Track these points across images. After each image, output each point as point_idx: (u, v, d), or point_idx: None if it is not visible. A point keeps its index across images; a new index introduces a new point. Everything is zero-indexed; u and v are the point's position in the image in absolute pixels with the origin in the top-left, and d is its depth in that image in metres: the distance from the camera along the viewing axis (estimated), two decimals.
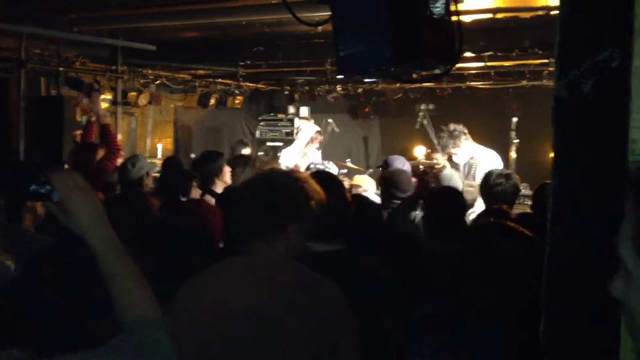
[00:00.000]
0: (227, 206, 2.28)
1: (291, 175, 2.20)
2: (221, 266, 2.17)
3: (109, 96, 9.03)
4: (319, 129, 9.21)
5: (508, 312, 1.76)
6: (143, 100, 9.60)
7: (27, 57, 7.90)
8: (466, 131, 6.39)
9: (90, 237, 1.50)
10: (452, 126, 6.39)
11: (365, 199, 4.40)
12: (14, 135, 7.81)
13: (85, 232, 1.50)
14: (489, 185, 4.63)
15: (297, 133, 9.07)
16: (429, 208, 4.04)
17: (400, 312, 2.32)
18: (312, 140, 8.96)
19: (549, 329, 1.60)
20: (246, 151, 8.61)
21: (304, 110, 11.32)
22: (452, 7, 1.91)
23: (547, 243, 1.64)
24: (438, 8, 1.81)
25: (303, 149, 8.54)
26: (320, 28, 2.88)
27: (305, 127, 9.17)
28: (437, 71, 1.99)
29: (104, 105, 8.93)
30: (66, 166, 6.18)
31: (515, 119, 8.00)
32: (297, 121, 9.05)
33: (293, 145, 8.89)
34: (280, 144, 10.62)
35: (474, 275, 1.97)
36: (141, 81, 9.65)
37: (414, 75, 2.38)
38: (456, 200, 4.00)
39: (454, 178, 5.18)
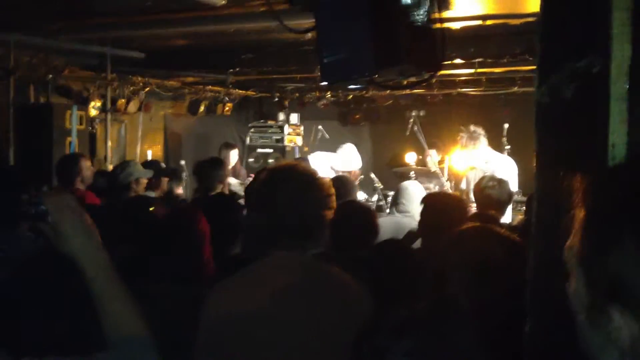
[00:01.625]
0: (262, 208, 2.26)
1: (327, 184, 2.22)
2: (257, 269, 2.19)
3: (98, 103, 9.01)
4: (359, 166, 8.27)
5: (490, 314, 1.76)
6: (132, 107, 9.58)
7: (15, 65, 7.88)
8: (485, 134, 6.41)
9: (81, 259, 1.52)
10: (472, 127, 6.42)
11: (357, 203, 4.41)
12: (4, 143, 7.79)
13: (75, 253, 1.52)
14: (479, 187, 4.64)
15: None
16: (424, 212, 4.06)
17: (375, 312, 2.33)
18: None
19: (533, 331, 1.60)
20: (234, 153, 8.56)
21: (294, 117, 11.34)
22: (435, 15, 1.92)
23: (530, 246, 1.65)
24: (420, 16, 1.82)
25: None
26: (309, 35, 2.90)
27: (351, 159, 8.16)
28: (423, 76, 2.00)
29: (93, 112, 8.92)
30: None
31: (506, 125, 8.02)
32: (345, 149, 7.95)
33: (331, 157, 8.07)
34: (271, 150, 10.63)
35: (456, 277, 1.97)
36: (130, 88, 9.63)
37: (404, 82, 2.39)
38: (452, 204, 4.03)
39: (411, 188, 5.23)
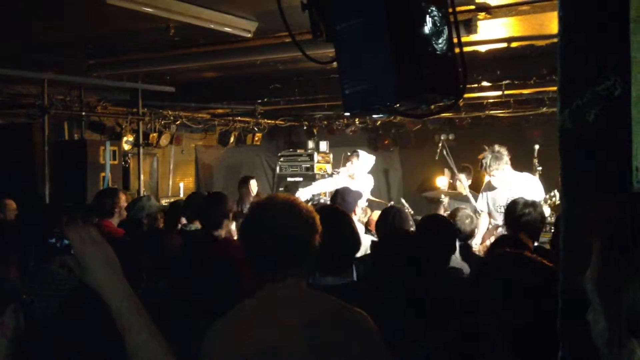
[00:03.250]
0: (247, 242, 2.27)
1: (307, 209, 2.21)
2: (252, 303, 2.19)
3: (130, 138, 9.18)
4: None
5: (521, 343, 1.74)
6: (164, 140, 9.74)
7: (50, 103, 8.08)
8: (508, 155, 6.35)
9: (105, 292, 1.53)
10: (496, 147, 6.35)
11: (402, 230, 4.35)
12: (39, 179, 7.96)
13: (99, 286, 1.54)
14: (516, 215, 4.56)
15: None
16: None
17: (404, 343, 2.30)
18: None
19: (566, 357, 1.58)
20: (253, 183, 8.68)
21: (323, 145, 11.39)
22: (455, 42, 1.93)
23: (560, 271, 1.64)
24: (440, 44, 1.83)
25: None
26: (335, 63, 2.92)
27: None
28: (445, 103, 2.01)
29: (126, 147, 9.08)
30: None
31: (537, 146, 7.93)
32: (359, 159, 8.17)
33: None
34: (301, 179, 10.67)
35: (486, 305, 1.95)
36: (162, 122, 9.79)
37: (425, 110, 2.40)
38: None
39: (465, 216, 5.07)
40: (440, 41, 1.83)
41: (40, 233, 3.38)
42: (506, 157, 6.27)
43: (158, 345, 1.54)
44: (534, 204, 4.61)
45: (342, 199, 5.39)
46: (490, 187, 6.52)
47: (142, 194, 9.10)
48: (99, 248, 1.55)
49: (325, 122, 11.73)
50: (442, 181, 9.40)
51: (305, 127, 12.03)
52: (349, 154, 7.94)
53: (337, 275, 2.63)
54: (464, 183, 8.28)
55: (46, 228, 3.41)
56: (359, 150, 7.83)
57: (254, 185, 8.69)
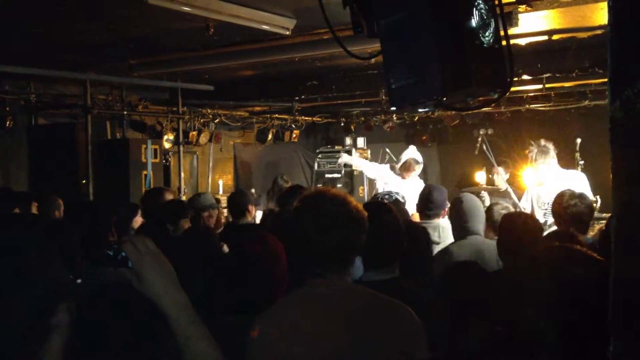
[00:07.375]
0: (292, 237, 2.26)
1: (356, 207, 2.19)
2: (293, 299, 2.19)
3: (171, 136, 9.30)
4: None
5: (571, 336, 1.72)
6: (203, 139, 9.85)
7: (92, 103, 8.24)
8: (555, 150, 6.28)
9: (163, 302, 1.55)
10: (543, 141, 6.29)
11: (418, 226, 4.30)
12: (83, 178, 8.12)
13: (157, 297, 1.55)
14: (562, 206, 4.48)
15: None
16: (500, 233, 3.98)
17: (447, 338, 2.28)
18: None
19: (617, 351, 1.56)
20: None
21: (361, 141, 11.38)
22: (502, 34, 1.92)
23: (612, 264, 1.61)
24: (487, 37, 1.82)
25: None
26: (373, 60, 2.93)
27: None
28: (492, 96, 1.99)
29: (166, 145, 9.19)
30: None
31: (579, 140, 7.79)
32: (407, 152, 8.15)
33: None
34: (339, 175, 10.68)
35: (536, 299, 1.93)
36: (201, 120, 9.90)
37: (472, 104, 2.38)
38: (527, 225, 3.94)
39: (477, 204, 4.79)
40: (487, 34, 1.82)
41: (89, 232, 3.45)
42: (552, 152, 6.20)
43: (215, 353, 1.57)
44: (581, 196, 4.53)
45: (436, 196, 5.38)
46: (538, 184, 6.45)
47: (182, 192, 9.23)
48: (155, 259, 1.57)
49: (363, 119, 11.71)
50: (481, 176, 9.31)
51: (342, 124, 12.03)
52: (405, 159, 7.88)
53: (381, 271, 2.63)
54: (502, 177, 8.19)
55: (95, 227, 3.49)
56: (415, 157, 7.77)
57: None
